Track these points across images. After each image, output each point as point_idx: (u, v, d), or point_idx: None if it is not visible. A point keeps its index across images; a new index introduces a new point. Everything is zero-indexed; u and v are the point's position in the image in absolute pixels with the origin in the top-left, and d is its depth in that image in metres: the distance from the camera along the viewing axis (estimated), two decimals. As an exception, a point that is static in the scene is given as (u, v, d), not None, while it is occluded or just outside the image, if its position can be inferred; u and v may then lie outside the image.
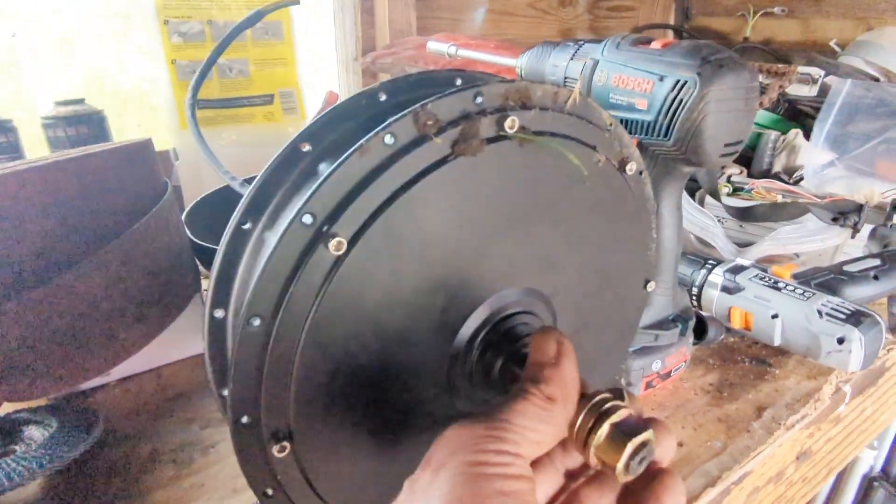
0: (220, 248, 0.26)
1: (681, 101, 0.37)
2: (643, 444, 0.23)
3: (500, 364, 0.28)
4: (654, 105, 0.38)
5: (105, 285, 0.42)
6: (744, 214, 0.69)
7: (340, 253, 0.22)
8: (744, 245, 0.71)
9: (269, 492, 0.26)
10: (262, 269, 0.22)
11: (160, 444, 0.44)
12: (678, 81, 0.37)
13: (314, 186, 0.22)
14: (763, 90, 0.85)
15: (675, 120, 0.37)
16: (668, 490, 0.22)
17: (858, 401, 0.56)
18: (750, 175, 0.86)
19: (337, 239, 0.22)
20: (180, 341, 0.53)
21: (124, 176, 0.47)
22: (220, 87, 0.84)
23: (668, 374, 0.50)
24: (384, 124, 0.23)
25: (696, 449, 0.44)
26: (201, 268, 0.57)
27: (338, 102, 0.28)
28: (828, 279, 0.55)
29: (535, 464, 0.22)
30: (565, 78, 0.45)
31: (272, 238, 0.25)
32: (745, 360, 0.55)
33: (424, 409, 0.29)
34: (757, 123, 0.91)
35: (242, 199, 0.26)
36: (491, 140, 0.25)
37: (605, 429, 0.23)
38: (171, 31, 0.79)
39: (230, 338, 0.27)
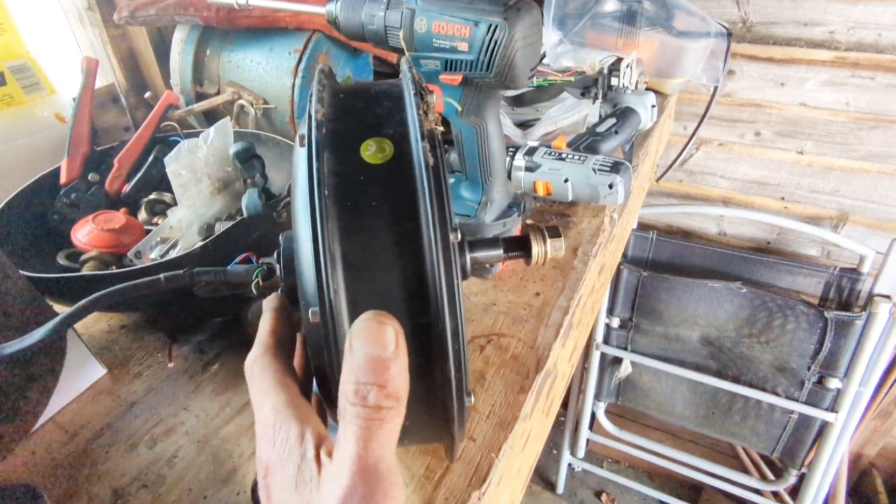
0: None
1: (496, 41, 0.46)
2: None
3: None
4: (474, 46, 0.47)
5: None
6: (517, 101, 0.85)
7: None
8: (520, 125, 0.88)
9: None
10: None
11: (117, 481, 0.44)
12: (490, 25, 0.46)
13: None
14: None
15: (493, 57, 0.47)
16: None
17: (621, 221, 0.79)
18: (504, 61, 1.02)
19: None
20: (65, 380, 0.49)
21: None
22: None
23: (513, 247, 0.64)
24: None
25: (549, 293, 0.60)
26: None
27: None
28: (589, 142, 0.74)
29: None
30: (386, 27, 0.50)
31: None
32: (552, 217, 0.73)
33: None
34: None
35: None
36: None
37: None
38: None
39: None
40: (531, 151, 0.71)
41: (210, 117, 0.79)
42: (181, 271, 0.38)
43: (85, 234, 0.61)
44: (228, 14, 0.70)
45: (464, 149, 0.56)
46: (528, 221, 0.38)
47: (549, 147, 0.72)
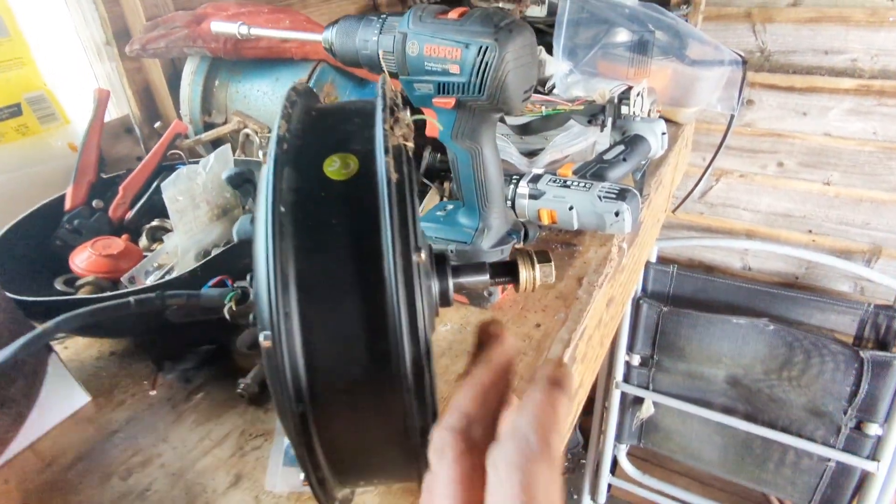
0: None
1: (487, 63, 0.45)
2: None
3: None
4: (465, 69, 0.46)
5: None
6: (524, 129, 0.83)
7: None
8: (527, 154, 0.87)
9: None
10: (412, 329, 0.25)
11: (86, 512, 0.42)
12: (481, 47, 0.45)
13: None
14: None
15: (485, 79, 0.46)
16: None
17: (631, 251, 0.76)
18: (515, 92, 1.02)
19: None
20: (45, 406, 0.48)
21: None
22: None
23: (514, 276, 0.62)
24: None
25: (550, 324, 0.57)
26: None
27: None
28: (596, 169, 0.72)
29: None
30: (379, 52, 0.50)
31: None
32: (557, 246, 0.70)
33: None
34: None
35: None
36: None
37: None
38: None
39: None
40: (535, 179, 0.70)
41: (217, 146, 0.80)
42: (152, 294, 0.37)
43: (83, 259, 0.61)
44: (235, 45, 0.71)
45: (459, 174, 0.54)
46: (517, 245, 0.37)
47: (555, 174, 0.70)
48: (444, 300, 0.38)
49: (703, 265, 1.46)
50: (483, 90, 0.46)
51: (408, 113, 0.31)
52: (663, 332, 1.43)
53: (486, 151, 0.52)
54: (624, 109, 0.84)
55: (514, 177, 0.71)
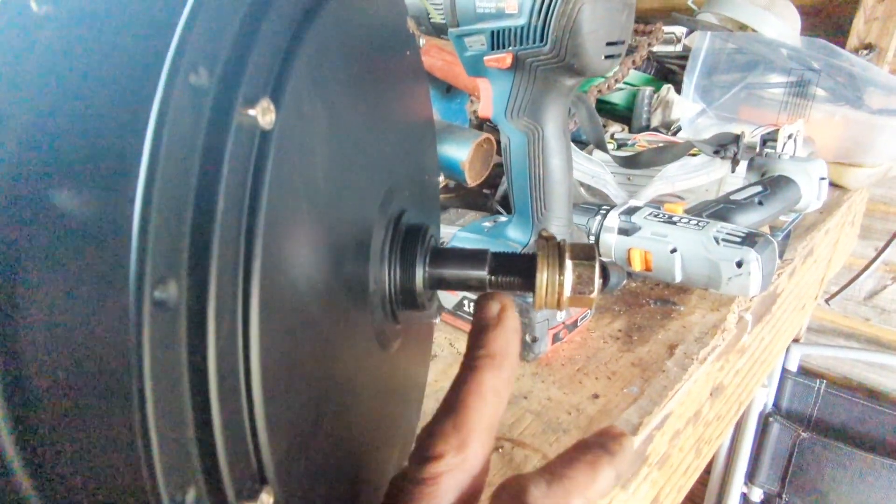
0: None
1: (553, -7, 0.32)
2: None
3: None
4: (524, 5, 0.33)
5: None
6: (631, 162, 0.68)
7: (270, 125, 0.14)
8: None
9: None
10: (148, 181, 0.12)
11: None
12: (547, -29, 0.32)
13: (181, 22, 0.13)
14: (633, 50, 0.86)
15: (549, 18, 0.33)
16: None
17: (758, 329, 0.55)
18: (630, 132, 0.87)
19: (264, 101, 0.13)
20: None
21: None
22: None
23: (575, 324, 0.45)
24: None
25: (614, 398, 0.40)
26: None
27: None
28: (718, 209, 0.54)
29: None
30: (426, -5, 0.39)
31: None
32: (649, 302, 0.52)
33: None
34: (629, 83, 0.92)
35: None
36: None
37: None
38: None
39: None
40: (631, 211, 0.53)
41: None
42: None
43: None
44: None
45: (511, 165, 0.40)
46: (544, 233, 0.23)
47: (658, 208, 0.53)
48: (410, 300, 0.24)
49: (863, 387, 1.12)
50: (546, 35, 0.33)
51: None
52: (799, 465, 1.10)
53: (548, 134, 0.38)
54: (768, 152, 0.65)
55: (605, 207, 0.55)
